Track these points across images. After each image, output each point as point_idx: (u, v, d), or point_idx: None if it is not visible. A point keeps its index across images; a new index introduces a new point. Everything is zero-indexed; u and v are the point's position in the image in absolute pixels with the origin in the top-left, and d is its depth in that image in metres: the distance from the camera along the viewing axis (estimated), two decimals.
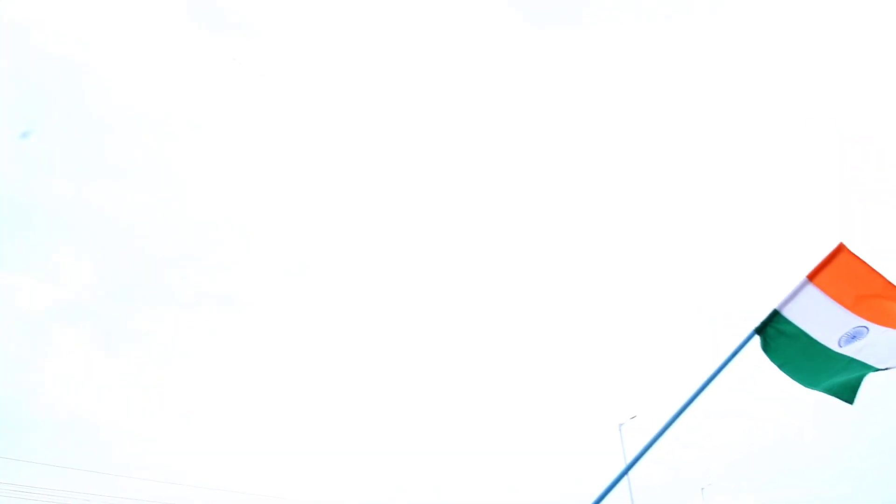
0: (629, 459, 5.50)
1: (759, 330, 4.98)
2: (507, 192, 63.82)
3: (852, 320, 4.86)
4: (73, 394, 40.28)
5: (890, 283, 4.85)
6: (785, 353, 4.94)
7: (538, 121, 62.75)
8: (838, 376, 4.80)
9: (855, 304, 4.87)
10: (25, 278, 43.70)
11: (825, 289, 4.90)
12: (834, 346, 4.86)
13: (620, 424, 32.59)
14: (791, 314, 4.94)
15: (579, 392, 50.02)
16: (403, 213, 62.30)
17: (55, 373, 41.17)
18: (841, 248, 4.91)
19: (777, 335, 4.95)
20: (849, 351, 4.82)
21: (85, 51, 49.44)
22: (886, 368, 4.74)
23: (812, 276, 4.91)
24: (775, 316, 4.96)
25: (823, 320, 4.89)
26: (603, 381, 49.74)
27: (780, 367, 4.96)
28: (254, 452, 41.26)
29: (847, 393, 4.78)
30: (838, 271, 4.89)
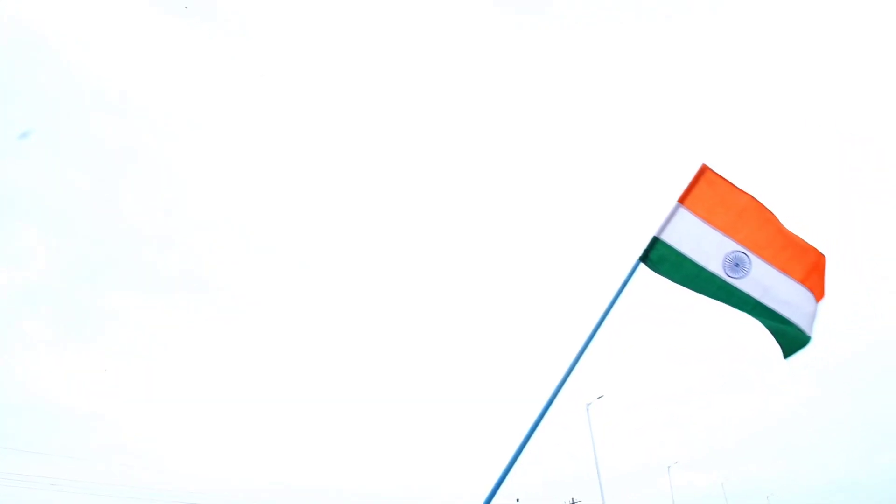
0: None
1: (644, 258, 5.07)
2: (499, 187, 63.84)
3: (728, 244, 5.05)
4: (40, 378, 39.83)
5: (753, 198, 5.03)
6: (674, 277, 5.09)
7: (534, 118, 62.88)
8: (746, 306, 5.04)
9: (728, 226, 5.04)
10: None
11: (696, 210, 5.03)
12: (720, 274, 5.05)
13: (588, 404, 33.05)
14: (670, 238, 5.06)
15: (546, 372, 50.59)
16: (384, 201, 62.17)
17: (21, 357, 40.64)
18: (704, 169, 5.04)
19: (661, 261, 5.07)
20: (742, 286, 5.04)
21: (56, 34, 48.45)
22: (797, 326, 5.03)
23: (682, 199, 5.04)
24: (655, 242, 5.06)
25: (701, 243, 5.04)
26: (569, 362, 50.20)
27: (683, 285, 5.12)
28: (227, 436, 41.25)
29: (784, 344, 5.09)
30: (705, 192, 5.02)
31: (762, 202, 5.05)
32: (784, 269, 5.06)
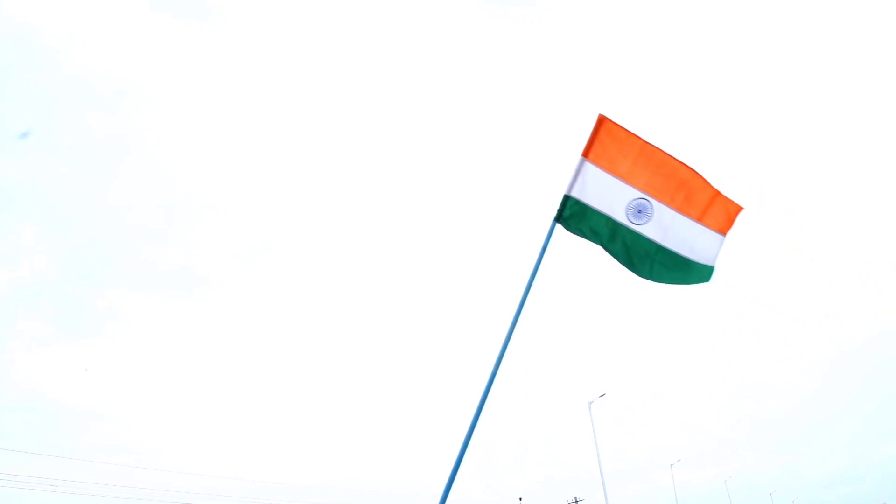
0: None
1: (558, 217, 5.23)
2: (490, 182, 63.64)
3: (630, 191, 5.23)
4: (39, 377, 39.59)
5: (648, 143, 5.19)
6: (585, 233, 5.23)
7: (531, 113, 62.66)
8: (651, 260, 5.23)
9: (629, 174, 5.21)
10: None
11: (599, 162, 5.19)
12: (625, 222, 5.23)
13: (590, 403, 32.90)
14: (579, 194, 5.21)
15: (548, 371, 50.46)
16: (373, 199, 61.89)
17: (19, 356, 40.39)
18: (602, 119, 5.16)
19: (574, 218, 5.22)
20: (645, 231, 5.23)
21: (48, 29, 48.12)
22: (699, 262, 5.20)
23: (586, 153, 5.19)
24: (567, 200, 5.21)
25: (605, 194, 5.20)
26: (572, 361, 50.17)
27: (601, 246, 5.26)
28: (226, 433, 41.03)
29: (684, 277, 5.22)
30: (606, 142, 5.18)
31: (657, 145, 5.21)
32: (682, 210, 5.22)
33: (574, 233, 5.25)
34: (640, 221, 5.24)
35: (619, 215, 5.23)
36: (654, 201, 5.23)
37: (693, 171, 5.23)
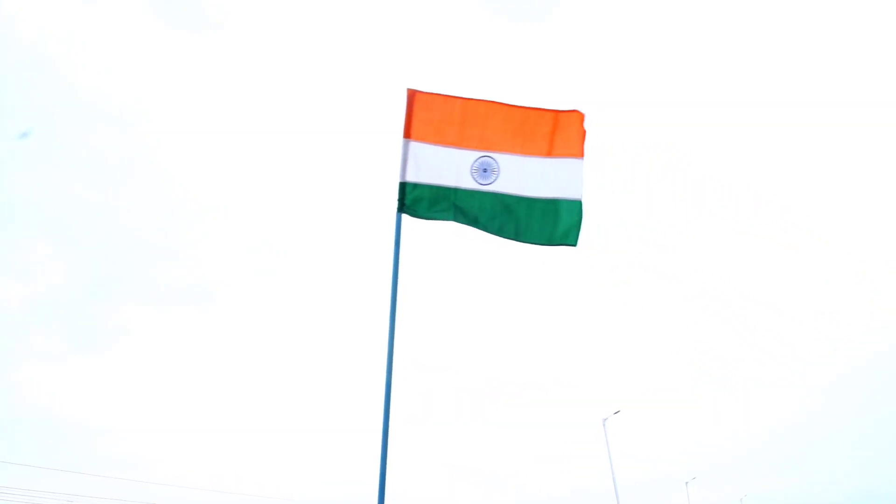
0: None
1: (400, 207, 4.88)
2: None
3: (468, 155, 4.94)
4: (50, 393, 39.64)
5: (468, 99, 4.94)
6: (436, 213, 4.94)
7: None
8: (516, 217, 4.93)
9: (459, 138, 4.93)
10: (0, 277, 42.94)
11: (424, 138, 4.89)
12: (474, 186, 4.93)
13: (604, 420, 32.49)
14: (414, 177, 4.89)
15: (562, 387, 50.11)
16: (382, 208, 61.91)
17: (30, 372, 40.49)
18: (412, 94, 4.88)
19: (418, 202, 4.90)
20: (498, 188, 4.93)
21: (59, 47, 48.64)
22: (564, 198, 4.94)
23: (407, 134, 4.87)
24: (404, 187, 4.87)
25: (442, 167, 4.91)
26: (586, 377, 49.81)
27: (450, 219, 4.98)
28: (235, 449, 40.87)
29: (560, 237, 4.95)
30: (425, 116, 4.89)
31: (478, 98, 4.96)
32: (528, 152, 4.97)
33: (424, 218, 4.92)
34: (489, 181, 4.95)
35: (466, 181, 4.93)
36: (496, 155, 4.96)
37: (524, 108, 4.98)
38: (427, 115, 4.90)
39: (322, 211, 60.40)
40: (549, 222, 4.99)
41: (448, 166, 4.92)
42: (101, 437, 38.31)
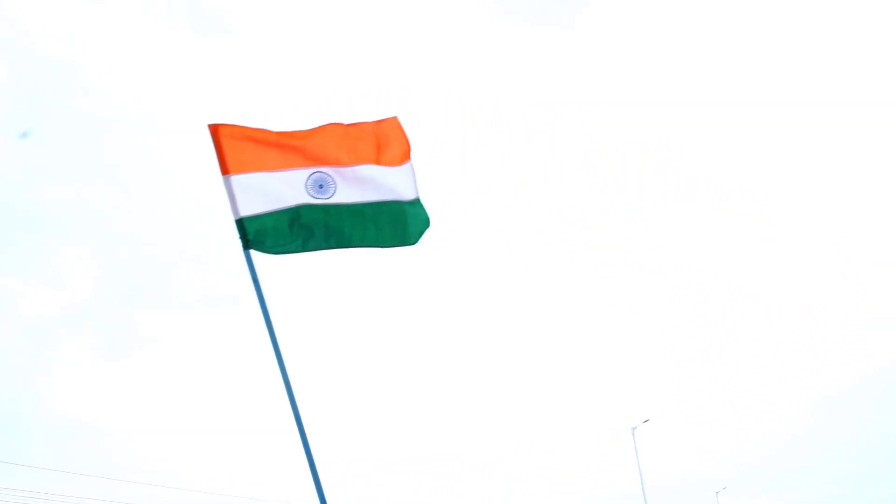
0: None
1: (245, 245, 4.69)
2: (521, 197, 63.34)
3: (297, 174, 4.80)
4: (78, 399, 40.03)
5: (270, 130, 4.79)
6: (285, 241, 4.78)
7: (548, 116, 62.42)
8: (362, 224, 4.88)
9: (282, 160, 4.77)
10: (29, 283, 43.50)
11: (245, 169, 4.69)
12: (313, 201, 4.79)
13: (633, 428, 32.07)
14: (249, 210, 4.68)
15: (590, 394, 49.55)
16: (432, 213, 61.96)
17: (60, 378, 40.93)
18: (214, 129, 4.67)
19: (262, 234, 4.72)
20: (339, 199, 4.84)
21: (82, 52, 49.19)
22: (405, 200, 4.95)
23: (225, 171, 4.65)
24: (240, 223, 4.68)
25: (276, 192, 4.74)
26: (615, 384, 49.26)
27: (303, 251, 4.86)
28: (261, 457, 40.91)
29: (399, 238, 4.98)
30: (236, 147, 4.69)
31: (283, 130, 4.85)
32: (357, 162, 4.89)
33: (273, 252, 4.77)
34: (328, 194, 4.82)
35: (305, 199, 4.77)
36: (326, 169, 4.82)
37: (340, 124, 4.88)
38: (240, 146, 4.69)
39: None
40: (400, 223, 4.96)
41: (281, 189, 4.75)
42: (129, 443, 38.60)
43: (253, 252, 4.68)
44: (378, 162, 4.92)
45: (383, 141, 4.95)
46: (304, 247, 4.86)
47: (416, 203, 4.99)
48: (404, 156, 4.97)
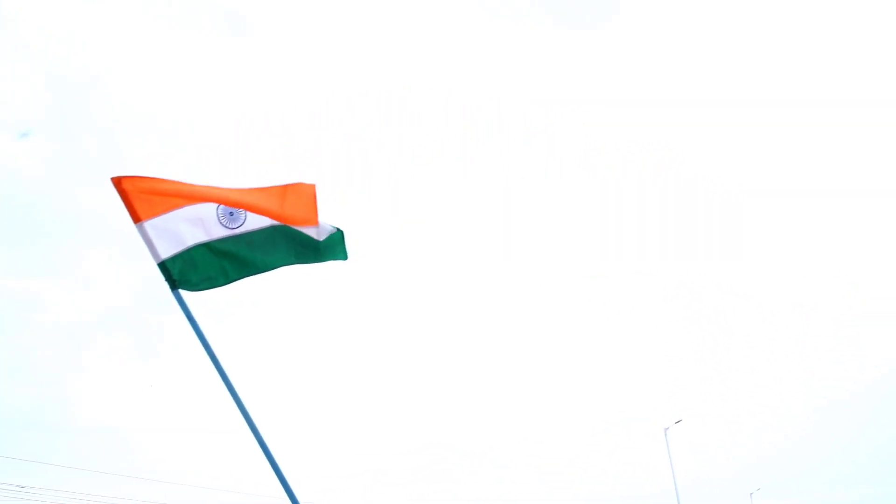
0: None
1: (172, 286, 4.81)
2: (555, 192, 62.86)
3: (206, 208, 4.90)
4: (113, 401, 40.51)
5: (173, 180, 4.92)
6: (211, 274, 4.90)
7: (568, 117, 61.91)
8: (280, 250, 5.06)
9: (188, 197, 4.88)
10: (64, 287, 44.16)
11: (154, 213, 4.79)
12: (229, 233, 4.94)
13: (665, 428, 31.69)
14: (168, 251, 4.80)
15: (623, 395, 49.07)
16: (433, 212, 61.82)
17: (95, 381, 41.45)
18: (117, 181, 4.77)
19: (188, 271, 4.83)
20: (251, 226, 4.98)
21: (109, 59, 49.75)
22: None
23: (136, 219, 4.76)
24: (163, 266, 4.80)
25: (190, 228, 4.86)
26: (648, 384, 48.73)
27: (228, 282, 4.98)
28: (291, 458, 41.06)
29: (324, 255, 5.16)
30: (140, 194, 4.79)
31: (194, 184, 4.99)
32: (263, 213, 5.05)
33: (200, 288, 4.86)
34: (238, 223, 4.98)
35: (218, 230, 4.92)
36: (233, 208, 4.99)
37: (247, 189, 5.05)
38: (146, 193, 4.80)
39: (371, 224, 60.52)
40: (312, 243, 5.14)
41: (194, 223, 4.88)
42: (160, 441, 38.96)
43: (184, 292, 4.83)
44: (280, 220, 5.08)
45: (290, 203, 5.10)
46: (228, 278, 4.99)
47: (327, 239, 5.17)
48: (309, 221, 5.12)
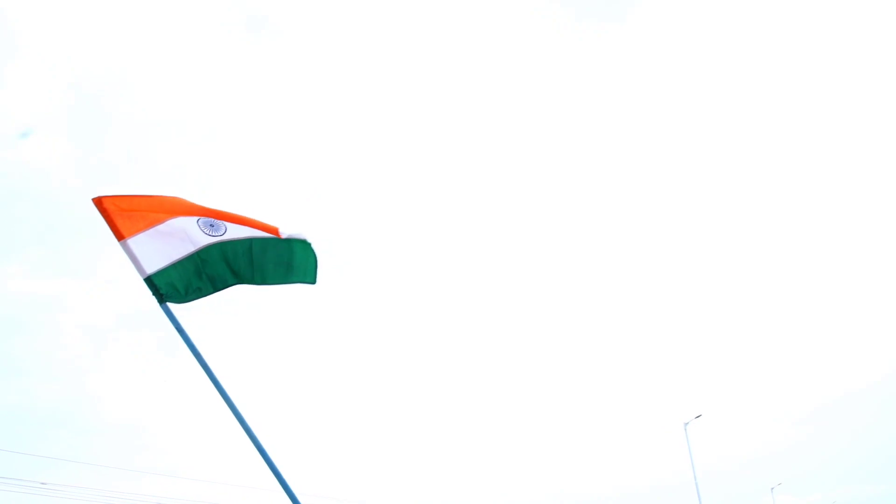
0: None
1: (160, 299, 4.87)
2: (579, 186, 62.42)
3: (188, 221, 4.98)
4: (133, 400, 41.01)
5: (148, 195, 4.98)
6: (198, 285, 4.98)
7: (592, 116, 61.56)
8: (262, 262, 5.12)
9: (171, 211, 4.96)
10: (85, 287, 44.74)
11: (137, 230, 4.85)
12: (211, 241, 5.00)
13: (685, 423, 31.58)
14: (154, 265, 4.86)
15: (643, 390, 48.80)
16: (457, 211, 61.72)
17: (115, 380, 41.99)
18: (98, 201, 4.84)
19: (175, 284, 4.91)
20: (231, 235, 5.07)
21: (135, 61, 50.40)
22: (295, 238, 5.20)
23: (120, 237, 4.83)
24: (149, 280, 4.86)
25: (173, 242, 4.93)
26: (668, 380, 48.41)
27: (214, 290, 5.07)
28: (312, 453, 41.30)
29: (298, 276, 5.23)
30: (123, 213, 4.86)
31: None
32: (240, 223, 5.13)
33: (187, 300, 4.95)
34: (220, 231, 5.05)
35: (200, 238, 4.99)
36: (213, 219, 5.08)
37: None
38: (127, 210, 4.88)
39: (389, 221, 60.42)
40: (284, 262, 5.19)
41: (177, 235, 4.96)
42: (183, 439, 39.34)
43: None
44: (256, 227, 5.20)
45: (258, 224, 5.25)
46: (214, 287, 5.08)
47: (305, 243, 5.26)
48: (276, 232, 5.25)
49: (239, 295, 5.31)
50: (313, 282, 5.33)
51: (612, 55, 58.15)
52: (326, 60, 55.08)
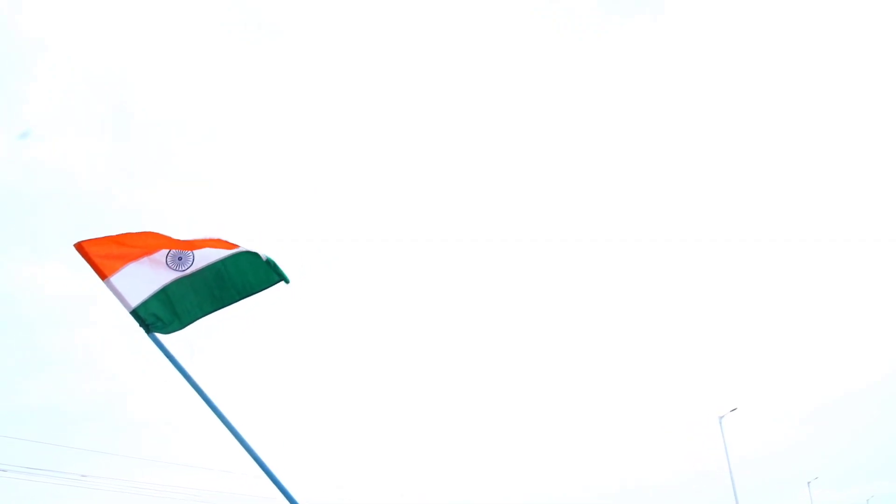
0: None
1: (147, 329, 5.28)
2: (610, 184, 62.04)
3: (158, 256, 5.32)
4: (167, 395, 41.39)
5: (121, 235, 5.39)
6: (169, 315, 5.31)
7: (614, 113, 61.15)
8: (229, 282, 5.32)
9: (143, 251, 5.33)
10: None
11: (116, 269, 5.26)
12: (180, 275, 5.30)
13: (720, 417, 31.20)
14: (137, 299, 5.24)
15: (679, 383, 48.37)
16: (475, 208, 61.45)
17: (151, 375, 42.37)
18: (79, 246, 5.29)
19: (160, 315, 5.28)
20: (199, 264, 5.29)
21: (130, 62, 50.61)
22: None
23: (102, 276, 5.28)
24: (135, 314, 5.26)
25: (147, 277, 5.30)
26: (703, 372, 47.94)
27: (183, 325, 5.36)
28: (311, 453, 41.35)
29: (264, 281, 5.37)
30: (103, 254, 5.28)
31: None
32: (204, 247, 5.38)
33: (169, 331, 5.31)
34: (187, 264, 5.33)
35: (169, 275, 5.30)
36: (181, 251, 5.35)
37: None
38: (105, 252, 5.31)
39: (397, 222, 60.26)
40: (257, 268, 5.35)
41: (150, 271, 5.31)
42: (206, 433, 39.58)
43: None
44: (219, 245, 5.44)
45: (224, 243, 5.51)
46: (188, 319, 5.40)
47: (253, 254, 5.44)
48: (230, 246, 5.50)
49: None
50: (287, 280, 5.43)
51: (615, 54, 57.72)
52: (326, 60, 55.00)
